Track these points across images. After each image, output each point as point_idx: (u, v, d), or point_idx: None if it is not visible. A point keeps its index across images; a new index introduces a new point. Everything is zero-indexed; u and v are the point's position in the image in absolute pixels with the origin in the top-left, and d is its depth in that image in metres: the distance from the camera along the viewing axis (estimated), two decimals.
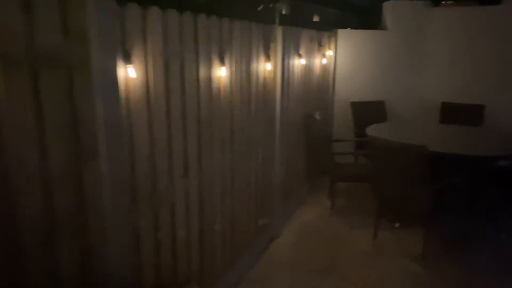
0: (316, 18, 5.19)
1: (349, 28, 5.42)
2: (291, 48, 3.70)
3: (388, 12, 5.38)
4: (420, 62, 5.29)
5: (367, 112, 5.14)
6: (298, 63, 3.96)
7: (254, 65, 3.01)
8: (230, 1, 2.75)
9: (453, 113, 5.04)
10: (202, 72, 2.33)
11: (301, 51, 4.00)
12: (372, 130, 4.11)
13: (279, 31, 3.37)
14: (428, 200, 3.14)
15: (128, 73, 1.75)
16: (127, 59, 1.74)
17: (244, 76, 2.86)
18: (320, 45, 4.67)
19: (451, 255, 3.42)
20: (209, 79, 2.41)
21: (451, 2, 5.10)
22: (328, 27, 5.08)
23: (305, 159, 4.52)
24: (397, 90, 5.37)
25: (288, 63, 3.65)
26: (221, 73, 2.54)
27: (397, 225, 3.94)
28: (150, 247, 2.01)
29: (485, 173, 3.79)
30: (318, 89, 4.81)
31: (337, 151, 4.27)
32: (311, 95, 4.53)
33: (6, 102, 1.25)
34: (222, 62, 2.52)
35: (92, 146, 1.58)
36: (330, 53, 5.13)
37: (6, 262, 1.32)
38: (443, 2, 5.16)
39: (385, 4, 5.49)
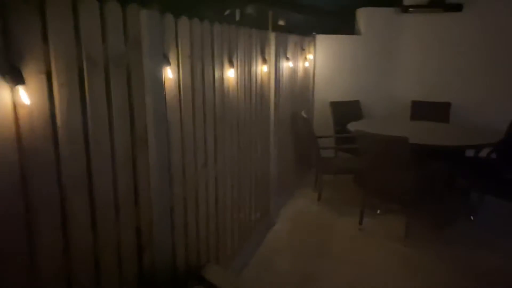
0: (281, 22, 5.55)
1: (314, 33, 5.81)
2: (281, 52, 4.03)
3: (361, 18, 5.83)
4: (391, 64, 5.76)
5: (345, 110, 5.54)
6: (287, 65, 4.30)
7: (253, 67, 3.32)
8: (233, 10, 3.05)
9: (422, 111, 5.52)
10: (217, 73, 2.62)
11: (288, 55, 4.34)
12: (353, 127, 4.49)
13: (272, 37, 3.70)
14: (410, 184, 3.55)
15: (167, 73, 2.01)
16: (166, 62, 2.00)
17: (246, 77, 3.16)
18: (302, 49, 5.04)
19: (431, 234, 3.84)
20: (221, 79, 2.70)
21: (418, 9, 5.59)
22: (308, 32, 5.46)
23: (292, 154, 4.86)
24: (371, 90, 5.82)
25: (279, 65, 3.98)
26: (230, 74, 2.83)
27: (378, 212, 4.34)
28: (180, 226, 2.27)
29: (455, 162, 4.25)
30: (301, 90, 5.17)
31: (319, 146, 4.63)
32: (296, 96, 4.88)
33: (90, 94, 1.50)
34: (231, 64, 2.81)
35: (143, 134, 1.85)
36: (310, 56, 5.51)
37: (86, 232, 1.56)
38: (411, 9, 5.64)
39: (358, 11, 5.94)
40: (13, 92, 1.17)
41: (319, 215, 4.31)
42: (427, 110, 5.46)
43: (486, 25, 5.25)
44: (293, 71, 4.65)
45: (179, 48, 2.14)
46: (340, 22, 6.71)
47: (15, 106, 1.19)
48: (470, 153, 4.65)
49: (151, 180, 1.92)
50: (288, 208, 4.44)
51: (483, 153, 4.52)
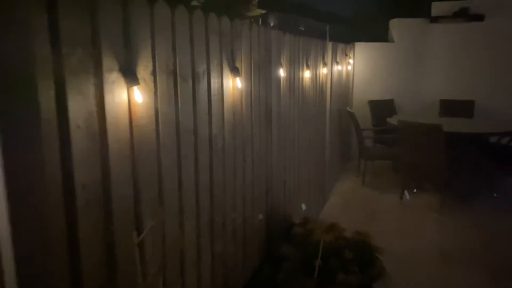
0: (301, 27, 6.38)
1: (338, 40, 6.68)
2: (333, 57, 4.91)
3: (394, 28, 6.68)
4: (422, 68, 6.58)
5: (381, 108, 6.38)
6: (336, 68, 5.18)
7: (318, 70, 4.20)
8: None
9: (449, 108, 6.30)
10: (300, 73, 3.51)
11: (338, 60, 5.22)
12: (393, 120, 5.33)
13: (329, 45, 4.59)
14: (443, 165, 4.37)
15: (280, 72, 2.91)
16: (280, 64, 2.90)
17: (314, 77, 4.05)
18: (346, 54, 5.91)
19: (461, 207, 4.65)
20: (302, 78, 3.59)
21: (445, 19, 6.40)
22: (349, 40, 6.34)
23: (337, 145, 5.71)
24: (404, 90, 6.64)
25: (332, 69, 4.86)
26: (306, 74, 3.72)
27: (415, 191, 5.15)
28: (282, 182, 3.16)
29: (481, 148, 5.05)
30: (344, 90, 6.03)
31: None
32: (341, 94, 5.75)
33: (254, 82, 2.41)
34: (307, 67, 3.71)
35: (270, 112, 2.75)
36: (351, 61, 6.38)
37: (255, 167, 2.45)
38: (438, 19, 6.46)
39: (391, 21, 6.79)
40: (233, 81, 2.08)
41: (365, 194, 5.16)
42: (454, 108, 6.25)
43: (505, 33, 6.04)
44: (340, 73, 5.52)
45: (285, 54, 3.04)
46: (373, 30, 7.57)
47: (233, 87, 2.10)
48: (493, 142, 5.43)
49: (273, 145, 2.82)
50: (337, 189, 5.30)
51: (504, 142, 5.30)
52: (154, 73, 1.41)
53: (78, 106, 1.10)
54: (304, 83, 3.66)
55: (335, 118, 5.36)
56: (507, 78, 6.11)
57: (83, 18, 1.11)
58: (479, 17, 6.18)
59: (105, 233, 1.21)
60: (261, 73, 2.54)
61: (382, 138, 6.01)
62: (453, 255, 3.57)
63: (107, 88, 1.19)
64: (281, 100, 2.96)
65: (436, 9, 6.46)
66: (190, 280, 1.75)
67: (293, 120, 3.36)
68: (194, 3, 1.73)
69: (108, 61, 1.20)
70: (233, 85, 2.09)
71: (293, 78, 3.29)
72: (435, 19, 6.46)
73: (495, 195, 4.97)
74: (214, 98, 1.88)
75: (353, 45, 6.54)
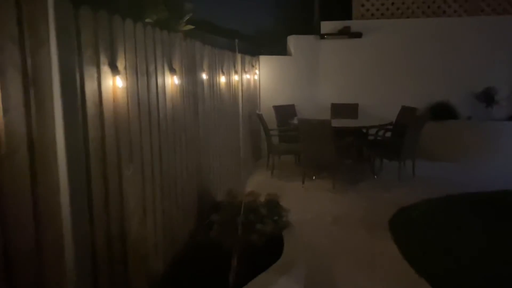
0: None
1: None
2: (242, 67, 5.75)
3: (291, 43, 7.79)
4: (315, 77, 7.76)
5: (284, 112, 7.38)
6: (245, 77, 6.03)
7: (231, 76, 4.99)
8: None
9: (339, 110, 7.52)
10: (217, 78, 4.26)
11: (246, 69, 6.08)
12: (294, 121, 6.32)
13: (239, 57, 5.42)
14: (333, 154, 5.41)
15: (203, 76, 3.63)
16: (202, 69, 3.61)
17: (228, 83, 4.82)
18: (252, 66, 6.81)
19: (349, 187, 5.73)
20: (219, 82, 4.34)
21: (331, 36, 7.67)
22: (254, 54, 7.27)
23: (250, 143, 6.55)
24: (302, 96, 7.74)
25: (242, 77, 5.70)
26: (222, 79, 4.48)
27: (314, 178, 6.16)
28: (209, 168, 3.84)
29: (362, 140, 6.24)
30: (252, 96, 6.92)
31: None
32: (250, 100, 6.62)
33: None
34: (223, 73, 4.47)
35: (197, 109, 3.44)
36: (257, 71, 7.31)
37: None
38: (326, 36, 7.71)
39: (289, 37, 7.90)
40: (171, 78, 2.75)
41: (274, 182, 6.05)
42: (342, 110, 7.47)
43: (378, 48, 7.46)
44: (249, 81, 6.40)
45: (205, 62, 3.76)
46: (274, 45, 8.64)
47: (171, 84, 2.76)
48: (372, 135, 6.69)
49: (200, 135, 3.51)
50: (250, 181, 6.12)
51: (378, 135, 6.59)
52: (125, 68, 2.05)
53: (90, 86, 1.71)
54: (221, 86, 4.41)
55: (246, 119, 6.19)
56: (382, 84, 7.53)
57: (92, 30, 1.73)
58: (358, 35, 7.54)
59: (103, 170, 1.82)
60: (190, 75, 3.23)
61: (286, 137, 6.98)
62: (341, 219, 4.56)
63: (102, 76, 1.81)
64: (205, 98, 3.67)
65: (325, 27, 7.71)
66: (149, 224, 2.37)
67: (214, 116, 4.09)
68: (147, 20, 2.37)
69: (103, 58, 1.82)
70: (171, 81, 2.76)
71: (212, 81, 4.03)
72: (323, 36, 7.70)
73: (375, 176, 6.17)
74: (160, 90, 2.54)
75: (258, 57, 7.49)
